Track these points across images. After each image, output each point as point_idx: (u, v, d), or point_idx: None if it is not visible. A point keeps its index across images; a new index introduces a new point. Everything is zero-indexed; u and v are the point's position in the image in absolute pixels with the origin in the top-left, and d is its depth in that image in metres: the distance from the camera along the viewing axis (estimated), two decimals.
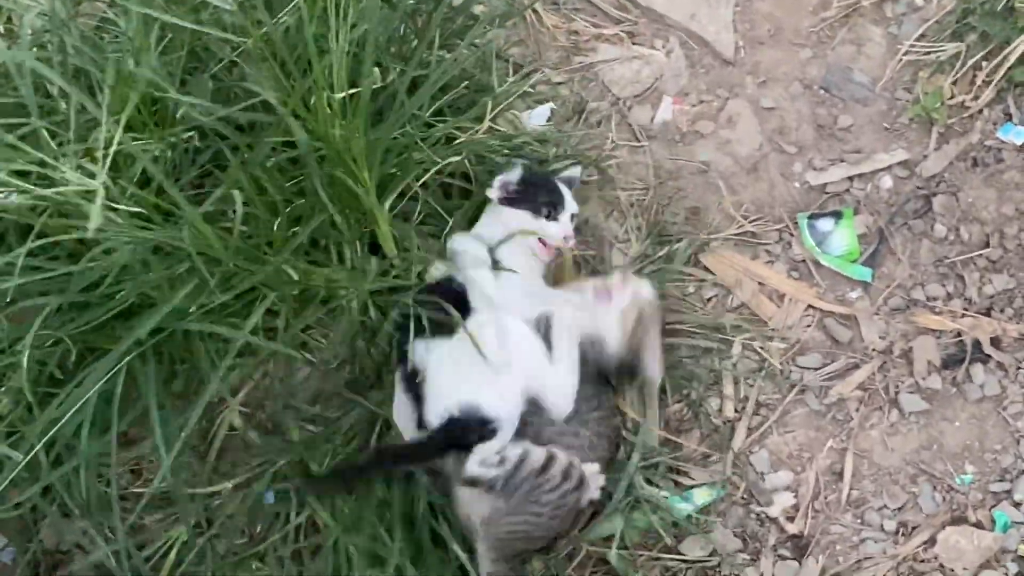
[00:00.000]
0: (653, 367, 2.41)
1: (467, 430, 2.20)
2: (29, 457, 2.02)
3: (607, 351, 2.36)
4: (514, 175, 2.40)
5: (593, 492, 2.30)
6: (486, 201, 2.45)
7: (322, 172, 2.21)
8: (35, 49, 2.33)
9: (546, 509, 2.24)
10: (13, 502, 2.14)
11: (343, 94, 2.15)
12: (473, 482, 2.20)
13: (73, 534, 2.28)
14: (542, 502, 2.22)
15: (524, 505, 2.22)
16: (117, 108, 2.24)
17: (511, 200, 2.41)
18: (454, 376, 2.25)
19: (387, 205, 2.33)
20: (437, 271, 2.37)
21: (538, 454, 2.21)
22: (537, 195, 2.40)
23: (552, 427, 2.30)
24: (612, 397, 2.44)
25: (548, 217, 2.39)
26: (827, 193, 2.73)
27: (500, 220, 2.42)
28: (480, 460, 2.18)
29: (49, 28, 2.32)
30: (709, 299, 2.63)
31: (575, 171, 2.56)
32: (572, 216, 2.42)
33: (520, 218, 2.39)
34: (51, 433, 2.04)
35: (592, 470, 2.29)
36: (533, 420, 2.29)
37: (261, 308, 2.19)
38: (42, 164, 2.07)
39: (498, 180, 2.41)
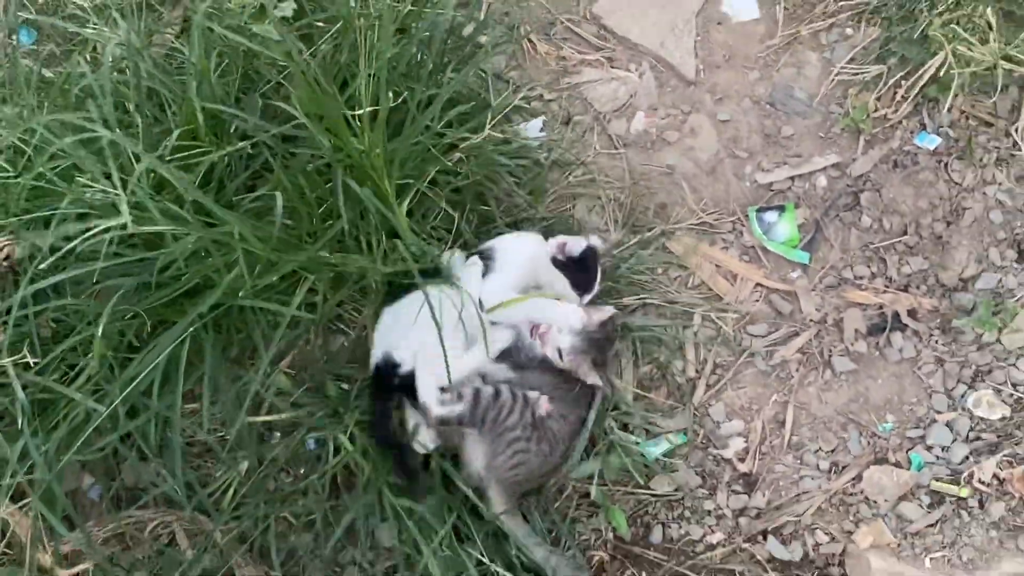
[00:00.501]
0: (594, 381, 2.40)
1: (386, 375, 2.29)
2: (110, 409, 2.06)
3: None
4: (578, 246, 2.41)
5: (540, 411, 2.31)
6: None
7: (349, 177, 2.24)
8: (115, 73, 2.37)
9: (519, 434, 2.27)
10: (98, 446, 2.16)
11: (365, 110, 2.20)
12: (445, 421, 2.24)
13: (148, 474, 2.30)
14: (509, 426, 2.25)
15: (500, 436, 2.26)
16: (183, 122, 2.30)
17: (559, 262, 2.42)
18: (382, 332, 2.35)
19: (405, 205, 2.35)
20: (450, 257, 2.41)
21: (488, 388, 2.26)
22: (578, 271, 2.42)
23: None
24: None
25: (579, 291, 2.41)
26: (772, 191, 2.76)
27: (531, 268, 2.42)
28: (439, 400, 2.23)
29: (126, 56, 2.38)
30: (675, 279, 2.66)
31: (600, 243, 2.50)
32: (580, 329, 2.34)
33: (554, 278, 2.41)
34: (128, 389, 2.09)
35: (533, 396, 2.31)
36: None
37: (303, 288, 2.24)
38: (121, 169, 2.13)
39: (560, 241, 2.42)
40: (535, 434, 2.28)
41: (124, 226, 2.06)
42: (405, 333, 2.29)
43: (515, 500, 2.34)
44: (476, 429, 2.26)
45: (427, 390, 2.25)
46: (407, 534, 2.26)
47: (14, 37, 2.61)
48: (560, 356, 2.32)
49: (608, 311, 2.38)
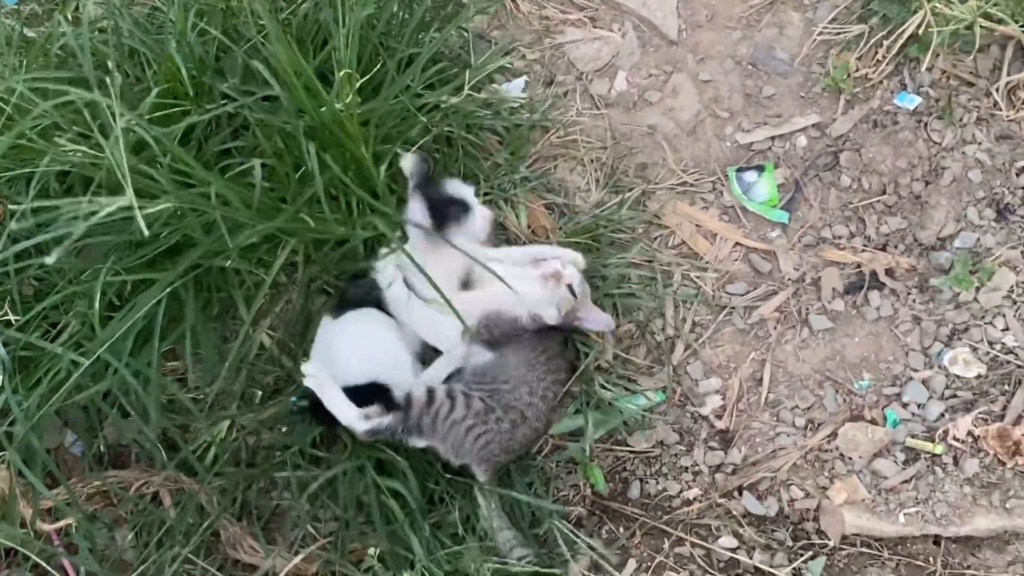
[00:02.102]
0: (601, 321, 2.45)
1: None
2: (91, 363, 2.08)
3: (545, 322, 2.38)
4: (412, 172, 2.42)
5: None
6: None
7: (329, 140, 2.27)
8: (96, 32, 2.38)
9: (472, 422, 2.28)
10: (78, 400, 2.19)
11: (343, 71, 2.20)
12: (376, 434, 2.24)
13: (131, 431, 2.31)
14: (457, 419, 2.26)
15: (452, 430, 2.27)
16: (163, 81, 2.31)
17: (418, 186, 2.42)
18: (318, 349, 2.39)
19: (383, 168, 2.37)
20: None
21: (418, 392, 2.26)
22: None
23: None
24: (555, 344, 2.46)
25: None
26: (752, 151, 2.76)
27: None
28: (362, 416, 2.22)
29: (107, 15, 2.38)
30: (655, 238, 2.67)
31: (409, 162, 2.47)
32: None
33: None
34: (108, 343, 2.11)
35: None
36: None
37: (284, 252, 2.27)
38: (101, 130, 2.15)
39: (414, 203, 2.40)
40: (492, 415, 2.29)
41: (101, 185, 2.10)
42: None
43: (500, 468, 2.38)
44: (418, 436, 2.28)
45: (341, 412, 2.24)
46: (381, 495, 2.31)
47: None
48: (572, 292, 2.35)
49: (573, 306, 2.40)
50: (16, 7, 2.80)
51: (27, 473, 2.04)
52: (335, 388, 2.24)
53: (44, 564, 2.11)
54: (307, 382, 2.23)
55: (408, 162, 2.42)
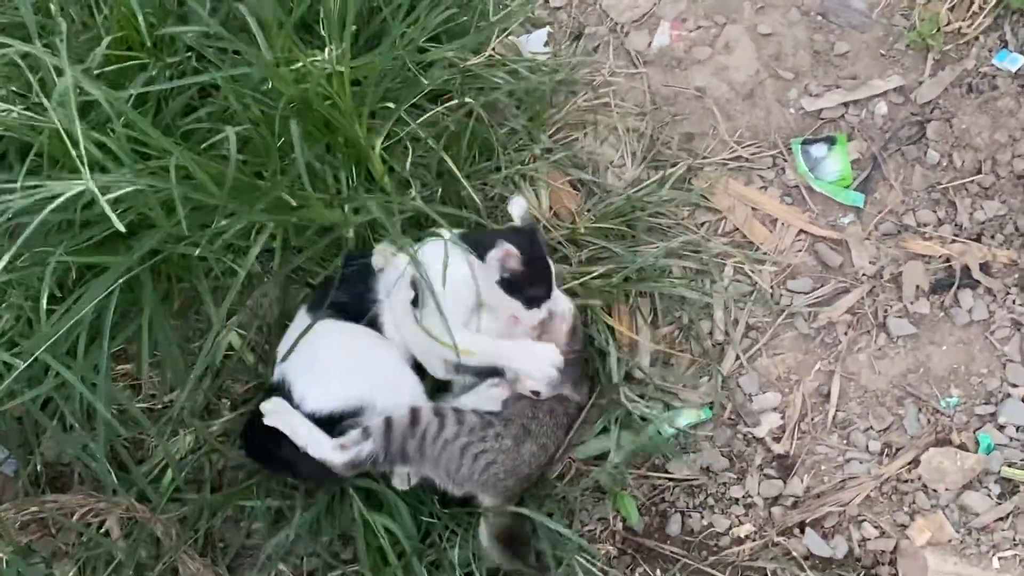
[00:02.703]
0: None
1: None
2: (27, 364, 2.00)
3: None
4: (514, 258, 2.24)
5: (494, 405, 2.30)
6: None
7: (312, 103, 2.20)
8: None
9: (467, 439, 2.23)
10: (8, 408, 2.16)
11: (332, 16, 2.15)
12: (357, 465, 2.18)
13: (73, 448, 2.28)
14: (449, 438, 2.21)
15: (444, 452, 2.22)
16: (116, 29, 2.25)
17: (507, 282, 2.26)
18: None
19: (379, 142, 2.33)
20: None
21: (400, 412, 2.20)
22: (531, 286, 2.26)
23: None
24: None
25: (533, 306, 2.29)
26: (822, 119, 2.72)
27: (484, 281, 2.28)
28: (337, 446, 2.16)
29: None
30: (702, 224, 2.63)
31: (521, 210, 2.34)
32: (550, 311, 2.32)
33: (507, 301, 2.29)
34: (48, 344, 2.02)
35: (474, 399, 2.31)
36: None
37: (261, 238, 2.20)
38: (41, 86, 2.09)
39: (501, 252, 2.21)
40: (490, 431, 2.25)
41: (40, 155, 2.04)
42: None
43: (512, 496, 2.32)
44: (403, 463, 2.24)
45: (313, 446, 2.18)
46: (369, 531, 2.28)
47: None
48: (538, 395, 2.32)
49: (568, 313, 2.35)
50: None
51: None
52: (300, 419, 2.19)
53: None
54: (268, 421, 2.17)
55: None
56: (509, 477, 2.27)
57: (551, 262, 2.29)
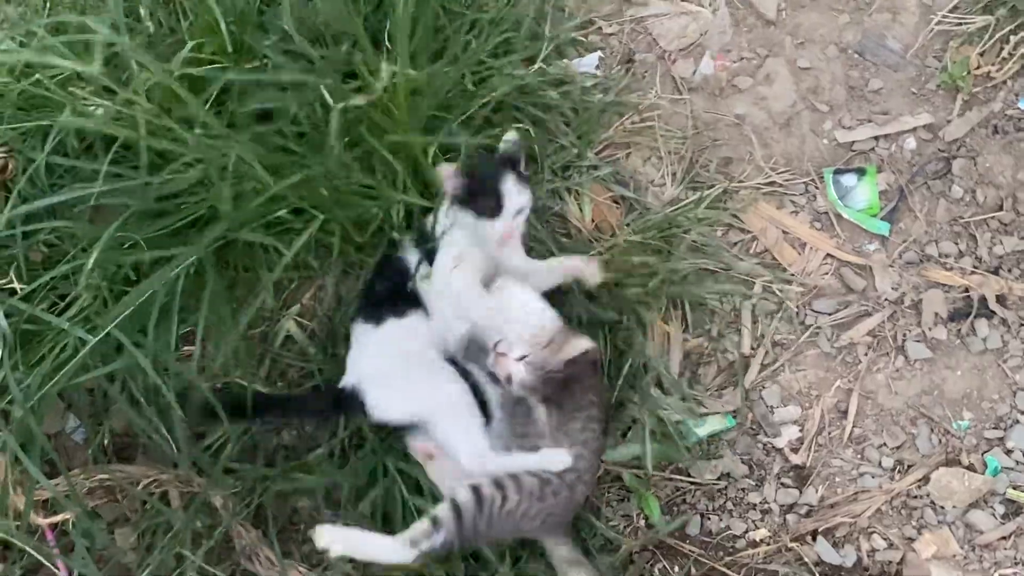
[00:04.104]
0: None
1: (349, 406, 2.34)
2: (99, 341, 2.09)
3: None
4: (451, 177, 2.33)
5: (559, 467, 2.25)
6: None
7: (375, 110, 2.28)
8: None
9: (527, 506, 2.20)
10: (82, 382, 2.22)
11: (400, 29, 2.22)
12: (428, 555, 2.16)
13: (140, 421, 2.31)
14: (511, 510, 2.18)
15: (506, 520, 2.20)
16: (199, 34, 2.34)
17: (458, 199, 2.35)
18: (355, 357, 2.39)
19: (432, 149, 2.37)
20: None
21: (464, 495, 2.16)
22: (478, 196, 2.33)
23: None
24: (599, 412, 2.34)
25: (490, 216, 2.33)
26: (853, 151, 2.75)
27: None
28: (406, 543, 2.14)
29: None
30: (735, 244, 2.67)
31: (511, 139, 2.44)
32: (517, 211, 2.35)
33: (471, 220, 2.35)
34: (117, 320, 2.11)
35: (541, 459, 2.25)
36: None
37: (314, 226, 2.29)
38: (127, 82, 2.18)
39: (447, 175, 2.34)
40: (547, 489, 2.22)
41: (126, 145, 2.13)
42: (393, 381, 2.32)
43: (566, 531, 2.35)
44: (478, 542, 2.25)
45: (380, 553, 2.18)
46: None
47: None
48: (508, 383, 2.27)
49: (583, 345, 2.29)
50: None
51: (24, 459, 2.07)
52: (357, 535, 2.19)
53: (42, 560, 2.16)
54: (334, 552, 2.16)
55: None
56: (567, 514, 2.30)
57: (509, 174, 2.34)
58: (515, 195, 2.33)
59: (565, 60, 2.79)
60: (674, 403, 2.49)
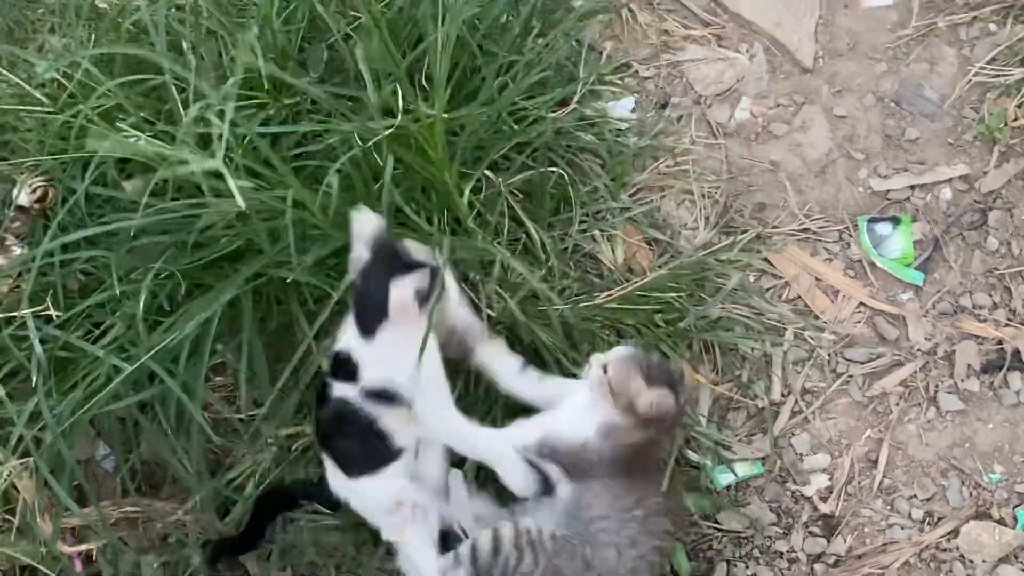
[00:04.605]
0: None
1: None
2: (133, 371, 2.12)
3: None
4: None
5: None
6: None
7: (411, 150, 2.30)
8: (173, 9, 2.45)
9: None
10: (113, 410, 2.24)
11: (438, 69, 2.25)
12: None
13: (167, 450, 2.33)
14: (525, 571, 2.11)
15: None
16: (240, 70, 2.37)
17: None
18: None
19: (468, 189, 2.40)
20: None
21: (484, 538, 2.12)
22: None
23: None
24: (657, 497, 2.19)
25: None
26: (888, 199, 2.74)
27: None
28: (440, 569, 2.14)
29: None
30: (767, 289, 2.66)
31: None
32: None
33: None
34: (153, 352, 2.14)
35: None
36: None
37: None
38: (168, 116, 2.21)
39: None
40: (563, 555, 2.12)
41: (165, 180, 2.16)
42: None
43: None
44: None
45: (426, 565, 2.19)
46: None
47: None
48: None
49: (662, 397, 2.12)
50: None
51: (54, 485, 2.09)
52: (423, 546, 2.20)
53: None
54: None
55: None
56: None
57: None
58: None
59: (600, 102, 2.79)
60: (703, 448, 2.48)
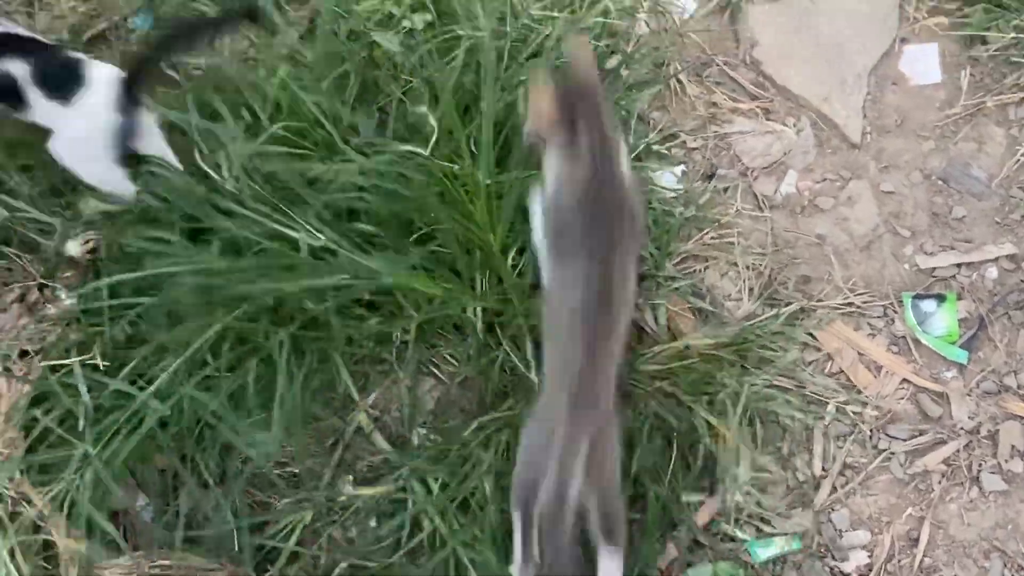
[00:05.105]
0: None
1: None
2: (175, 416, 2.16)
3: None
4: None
5: None
6: None
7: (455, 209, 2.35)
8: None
9: None
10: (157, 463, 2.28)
11: (486, 135, 2.28)
12: None
13: (207, 502, 2.37)
14: None
15: None
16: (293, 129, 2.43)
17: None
18: None
19: (512, 253, 2.44)
20: None
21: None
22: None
23: None
24: None
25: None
26: (934, 277, 2.74)
27: None
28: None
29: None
30: (810, 362, 2.65)
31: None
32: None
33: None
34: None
35: None
36: None
37: (399, 324, 2.33)
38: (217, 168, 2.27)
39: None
40: None
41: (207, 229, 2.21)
42: None
43: None
44: None
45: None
46: None
47: (130, 20, 2.79)
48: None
49: None
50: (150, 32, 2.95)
51: (101, 523, 2.12)
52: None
53: None
54: None
55: None
56: None
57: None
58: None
59: (647, 172, 2.81)
60: (741, 521, 2.47)
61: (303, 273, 2.24)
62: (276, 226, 2.26)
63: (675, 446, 2.46)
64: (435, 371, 2.58)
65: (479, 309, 2.43)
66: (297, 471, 2.45)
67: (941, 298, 2.71)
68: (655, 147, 2.86)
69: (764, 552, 2.45)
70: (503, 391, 2.51)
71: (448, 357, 2.57)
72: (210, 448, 2.34)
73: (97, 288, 2.34)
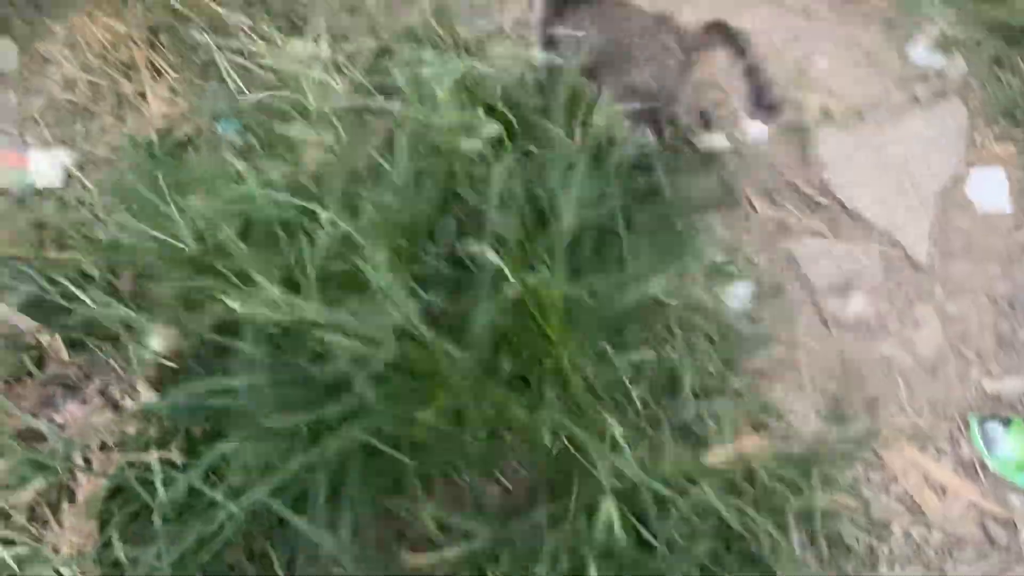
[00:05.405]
0: None
1: None
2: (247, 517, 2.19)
3: None
4: None
5: None
6: None
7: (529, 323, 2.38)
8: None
9: None
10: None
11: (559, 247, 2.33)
12: None
13: None
14: None
15: None
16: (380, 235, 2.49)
17: None
18: None
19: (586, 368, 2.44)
20: None
21: None
22: None
23: None
24: None
25: None
26: (1000, 401, 2.74)
27: None
28: None
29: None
30: (875, 483, 2.65)
31: None
32: None
33: None
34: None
35: None
36: None
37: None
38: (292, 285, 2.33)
39: None
40: None
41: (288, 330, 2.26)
42: None
43: None
44: None
45: None
46: None
47: (216, 125, 2.89)
48: None
49: None
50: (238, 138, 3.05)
51: None
52: None
53: None
54: None
55: None
56: None
57: None
58: None
59: (716, 288, 2.83)
60: None
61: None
62: None
63: (732, 551, 2.44)
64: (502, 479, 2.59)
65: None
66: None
67: (1007, 422, 2.70)
68: (723, 264, 2.88)
69: None
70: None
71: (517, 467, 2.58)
72: (278, 546, 2.36)
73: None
